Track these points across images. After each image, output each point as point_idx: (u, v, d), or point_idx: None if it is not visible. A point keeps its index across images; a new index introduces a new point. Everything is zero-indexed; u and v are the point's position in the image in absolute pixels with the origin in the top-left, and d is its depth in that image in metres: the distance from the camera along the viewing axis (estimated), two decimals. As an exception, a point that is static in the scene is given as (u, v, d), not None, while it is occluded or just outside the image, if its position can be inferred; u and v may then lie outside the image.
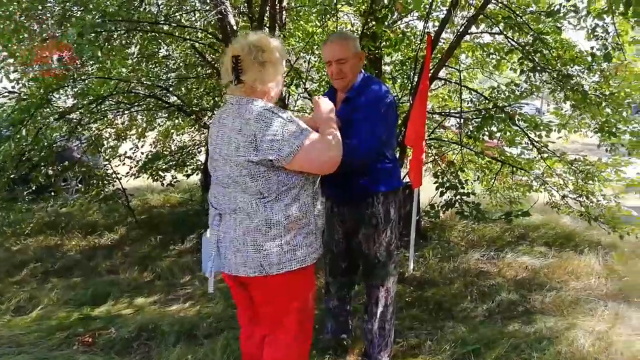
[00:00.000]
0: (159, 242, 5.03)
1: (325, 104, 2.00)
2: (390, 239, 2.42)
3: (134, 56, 5.42)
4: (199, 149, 6.25)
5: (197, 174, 6.49)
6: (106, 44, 5.04)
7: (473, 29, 4.40)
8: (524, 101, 4.81)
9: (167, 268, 4.24)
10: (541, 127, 4.14)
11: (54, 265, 4.51)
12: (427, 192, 4.81)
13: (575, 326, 2.86)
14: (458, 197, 3.99)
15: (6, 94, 4.37)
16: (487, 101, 4.76)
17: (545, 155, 4.69)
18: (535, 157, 4.86)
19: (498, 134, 4.79)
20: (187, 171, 6.21)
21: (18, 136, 4.44)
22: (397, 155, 5.23)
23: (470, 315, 3.20)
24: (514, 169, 5.05)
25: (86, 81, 4.88)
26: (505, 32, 3.83)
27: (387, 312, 2.45)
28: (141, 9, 5.10)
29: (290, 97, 6.04)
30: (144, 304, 3.55)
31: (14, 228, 5.18)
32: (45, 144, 4.77)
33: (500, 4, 4.20)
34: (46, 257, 4.68)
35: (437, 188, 4.06)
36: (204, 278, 4.06)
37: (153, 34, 5.03)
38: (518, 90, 4.35)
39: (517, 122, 4.40)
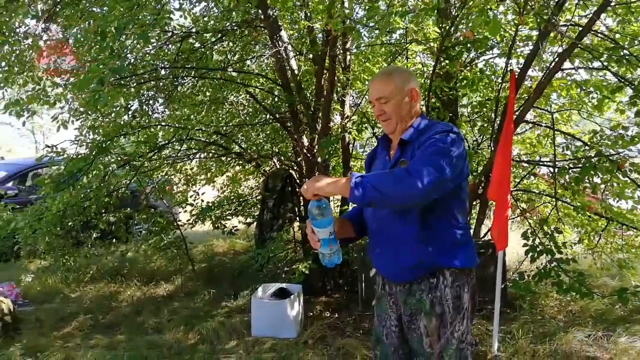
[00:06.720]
0: (212, 297, 4.71)
1: None
2: (462, 335, 1.82)
3: (202, 103, 5.38)
4: (257, 197, 5.98)
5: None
6: (176, 90, 5.05)
7: (567, 64, 3.77)
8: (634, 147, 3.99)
9: (213, 330, 3.86)
10: (662, 180, 3.32)
11: (103, 318, 4.32)
12: (513, 247, 4.05)
13: None
14: (554, 263, 3.24)
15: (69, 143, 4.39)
16: (587, 147, 4.01)
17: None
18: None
19: (602, 186, 4.00)
20: (246, 219, 5.95)
21: (80, 184, 4.43)
22: (478, 209, 4.59)
23: None
24: (625, 227, 4.18)
25: (150, 128, 4.85)
26: (610, 67, 3.14)
27: None
28: (209, 58, 5.05)
29: (356, 142, 5.66)
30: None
31: (75, 275, 5.14)
32: (108, 191, 4.76)
33: (600, 35, 3.55)
34: (97, 309, 4.51)
35: (526, 253, 3.34)
36: (252, 345, 3.65)
37: (221, 80, 4.93)
38: (627, 135, 3.58)
39: (627, 172, 3.62)
